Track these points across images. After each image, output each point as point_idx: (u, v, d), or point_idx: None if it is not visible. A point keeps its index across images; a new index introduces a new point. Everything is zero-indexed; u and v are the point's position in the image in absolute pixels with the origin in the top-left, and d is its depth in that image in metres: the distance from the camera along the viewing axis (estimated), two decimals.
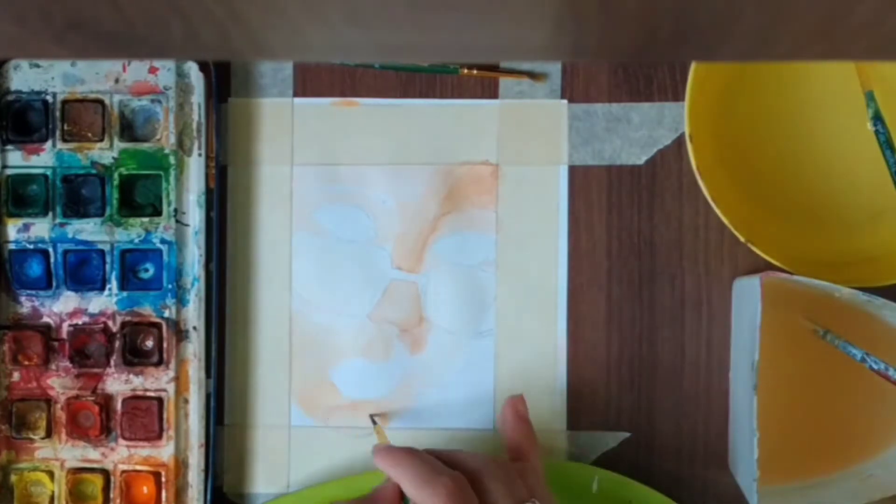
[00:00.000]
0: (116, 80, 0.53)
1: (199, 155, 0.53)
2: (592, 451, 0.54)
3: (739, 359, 0.51)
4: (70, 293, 0.53)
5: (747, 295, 0.50)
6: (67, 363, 0.53)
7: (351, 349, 0.54)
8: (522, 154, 0.54)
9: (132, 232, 0.53)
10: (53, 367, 0.53)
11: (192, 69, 0.53)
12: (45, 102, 0.53)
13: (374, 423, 0.53)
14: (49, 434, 0.52)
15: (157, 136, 0.53)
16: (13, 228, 0.53)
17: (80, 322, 0.53)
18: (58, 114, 0.53)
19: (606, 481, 0.52)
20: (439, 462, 0.46)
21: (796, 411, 0.53)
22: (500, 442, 0.51)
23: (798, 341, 0.52)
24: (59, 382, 0.53)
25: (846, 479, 0.52)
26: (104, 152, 0.53)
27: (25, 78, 0.53)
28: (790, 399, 0.53)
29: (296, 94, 0.55)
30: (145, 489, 0.52)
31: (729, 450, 0.53)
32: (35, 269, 0.53)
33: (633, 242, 0.54)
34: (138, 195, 0.53)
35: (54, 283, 0.53)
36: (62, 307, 0.53)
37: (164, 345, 0.52)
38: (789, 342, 0.52)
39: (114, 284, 0.53)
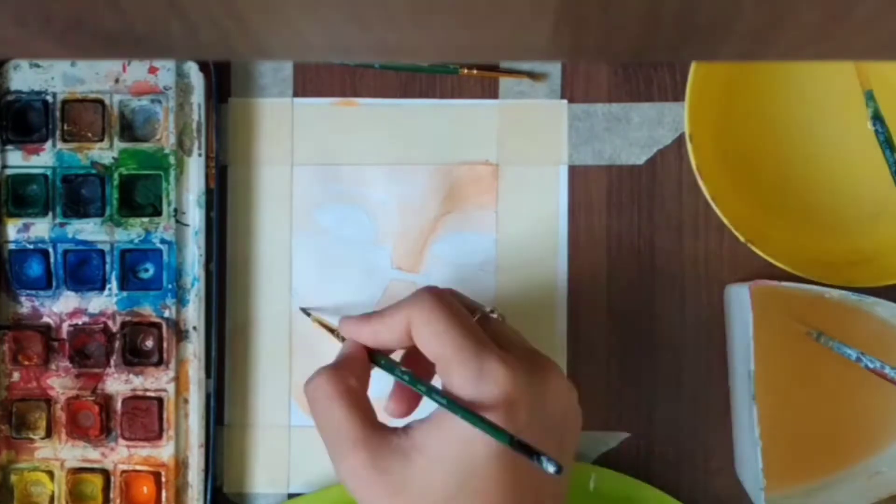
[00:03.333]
0: (116, 80, 0.53)
1: (199, 155, 0.53)
2: (592, 450, 0.54)
3: (736, 366, 0.51)
4: (70, 293, 0.53)
5: (738, 303, 0.50)
6: (67, 363, 0.53)
7: None
8: (522, 154, 0.54)
9: (132, 232, 0.53)
10: (53, 367, 0.53)
11: (192, 69, 0.53)
12: (45, 102, 0.53)
13: (308, 314, 0.53)
14: (49, 434, 0.52)
15: (157, 136, 0.53)
16: (13, 228, 0.53)
17: (80, 322, 0.53)
18: (58, 114, 0.53)
19: (603, 479, 0.52)
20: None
21: (797, 415, 0.53)
22: None
23: (793, 344, 0.52)
24: (59, 382, 0.53)
25: (853, 479, 0.52)
26: (104, 152, 0.53)
27: (25, 78, 0.53)
28: (790, 403, 0.53)
29: (296, 94, 0.55)
30: (145, 489, 0.52)
31: (734, 456, 0.53)
32: (35, 269, 0.53)
33: (633, 242, 0.54)
34: (138, 195, 0.53)
35: (54, 283, 0.53)
36: (62, 307, 0.53)
37: (164, 345, 0.52)
38: (784, 346, 0.52)
39: (114, 284, 0.53)
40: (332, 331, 0.51)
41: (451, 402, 0.40)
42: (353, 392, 0.43)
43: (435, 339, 0.42)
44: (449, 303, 0.43)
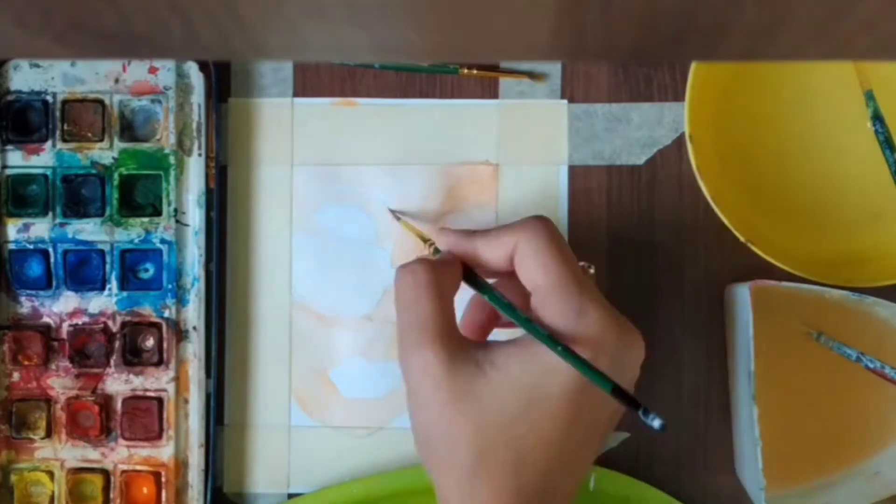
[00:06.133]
0: (116, 80, 0.53)
1: (199, 155, 0.53)
2: None
3: (736, 366, 0.51)
4: (70, 293, 0.53)
5: (738, 303, 0.50)
6: (67, 363, 0.53)
7: (351, 349, 0.54)
8: (522, 154, 0.54)
9: (132, 232, 0.53)
10: (53, 367, 0.53)
11: (192, 69, 0.53)
12: (45, 102, 0.53)
13: (398, 218, 0.48)
14: (49, 434, 0.52)
15: (157, 136, 0.53)
16: (13, 228, 0.53)
17: (80, 322, 0.53)
18: (58, 114, 0.53)
19: (603, 479, 0.52)
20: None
21: (797, 415, 0.53)
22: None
23: (793, 345, 0.52)
24: (59, 382, 0.53)
25: (852, 479, 0.52)
26: (104, 152, 0.53)
27: (25, 78, 0.53)
28: (790, 403, 0.53)
29: (296, 94, 0.55)
30: (145, 489, 0.52)
31: (735, 456, 0.53)
32: (35, 269, 0.53)
33: (633, 242, 0.54)
34: (138, 195, 0.53)
35: (54, 283, 0.53)
36: (62, 307, 0.53)
37: (164, 345, 0.52)
38: (784, 346, 0.52)
39: (114, 284, 0.53)
40: (424, 240, 0.49)
41: (551, 338, 0.40)
42: (446, 292, 0.43)
43: (540, 267, 0.42)
44: (559, 236, 0.43)
